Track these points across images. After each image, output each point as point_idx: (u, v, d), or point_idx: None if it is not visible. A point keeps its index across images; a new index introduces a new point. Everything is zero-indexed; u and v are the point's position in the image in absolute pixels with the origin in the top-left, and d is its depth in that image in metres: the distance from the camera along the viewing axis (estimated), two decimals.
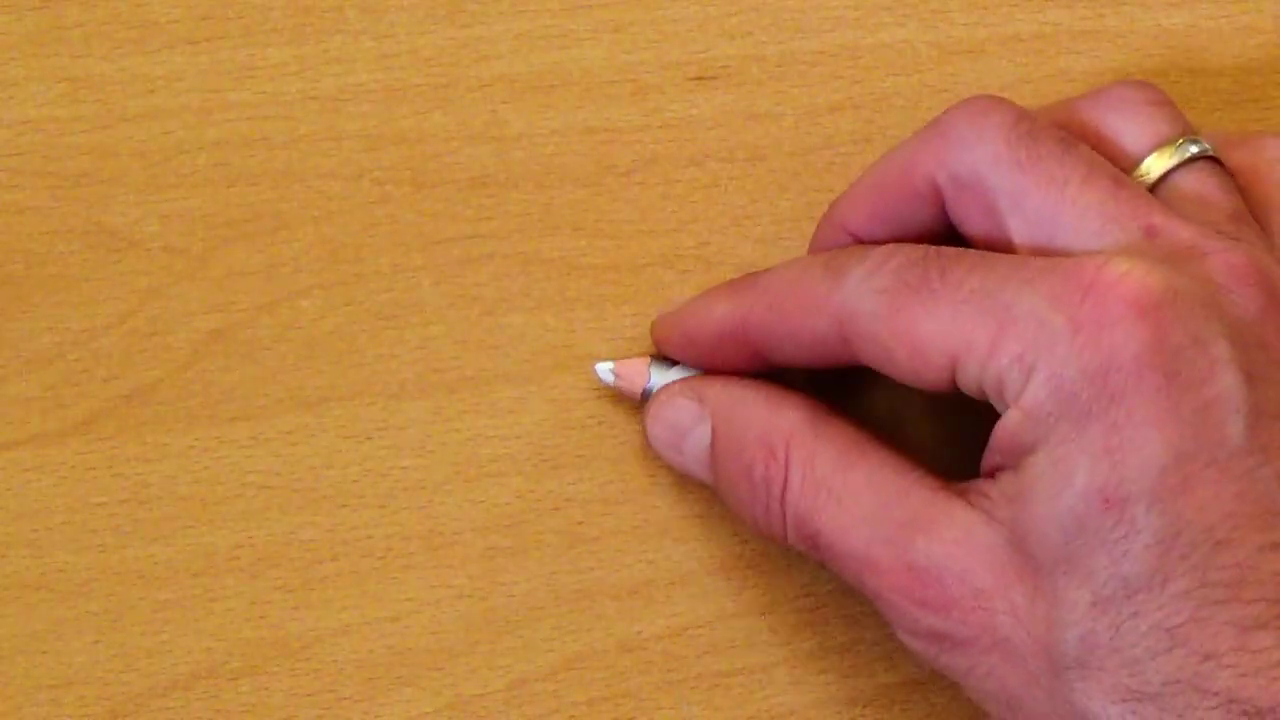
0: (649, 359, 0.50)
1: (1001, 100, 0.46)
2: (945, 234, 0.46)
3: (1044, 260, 0.43)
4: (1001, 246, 0.45)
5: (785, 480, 0.46)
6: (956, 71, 0.52)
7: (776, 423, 0.47)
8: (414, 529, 0.50)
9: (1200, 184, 0.46)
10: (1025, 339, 0.42)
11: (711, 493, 0.50)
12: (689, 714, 0.50)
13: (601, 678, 0.50)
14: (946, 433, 0.51)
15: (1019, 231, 0.45)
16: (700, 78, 0.52)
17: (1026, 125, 0.45)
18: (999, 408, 0.43)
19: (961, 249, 0.45)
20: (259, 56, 0.51)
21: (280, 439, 0.50)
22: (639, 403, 0.50)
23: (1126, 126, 0.47)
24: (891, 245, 0.45)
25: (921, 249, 0.45)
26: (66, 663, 0.49)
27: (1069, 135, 0.46)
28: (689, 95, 0.52)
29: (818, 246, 0.49)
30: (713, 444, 0.48)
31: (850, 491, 0.45)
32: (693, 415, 0.48)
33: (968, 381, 0.43)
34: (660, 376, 0.49)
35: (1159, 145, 0.47)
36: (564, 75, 0.52)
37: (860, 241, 0.48)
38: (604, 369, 0.50)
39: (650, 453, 0.50)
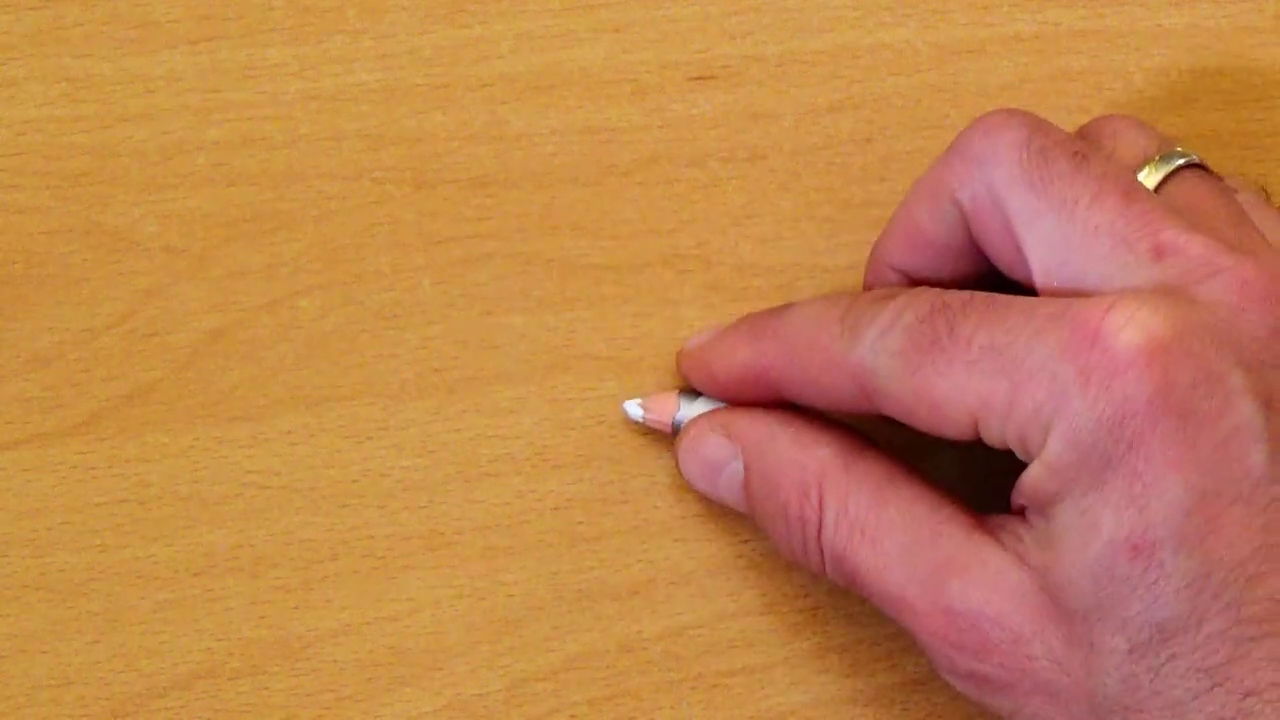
0: (678, 392, 0.50)
1: (1015, 115, 0.46)
2: (981, 254, 0.47)
3: (1052, 307, 0.43)
4: (1020, 268, 0.45)
5: (820, 521, 0.46)
6: (956, 71, 0.52)
7: (808, 462, 0.47)
8: (414, 529, 0.50)
9: (1193, 192, 0.46)
10: (1039, 394, 0.42)
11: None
12: (688, 714, 0.50)
13: (601, 678, 0.50)
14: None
15: (1034, 253, 0.45)
16: (700, 78, 0.52)
17: (1039, 141, 0.45)
18: (1024, 459, 0.43)
19: (970, 296, 0.44)
20: (259, 56, 0.51)
21: (280, 439, 0.50)
22: (670, 435, 0.50)
23: (1110, 149, 0.47)
24: (904, 298, 0.45)
25: (929, 301, 0.45)
26: (66, 663, 0.49)
27: (1083, 146, 0.45)
28: (689, 95, 0.52)
29: (869, 287, 0.49)
30: (746, 482, 0.48)
31: (885, 531, 0.45)
32: (725, 452, 0.48)
33: (991, 437, 0.44)
34: (689, 408, 0.49)
35: (1144, 162, 0.47)
36: (564, 75, 0.52)
37: (905, 274, 0.48)
38: (633, 406, 0.50)
39: (650, 453, 0.50)
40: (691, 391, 0.50)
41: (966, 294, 0.44)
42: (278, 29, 0.51)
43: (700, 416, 0.49)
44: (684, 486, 0.50)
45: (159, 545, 0.49)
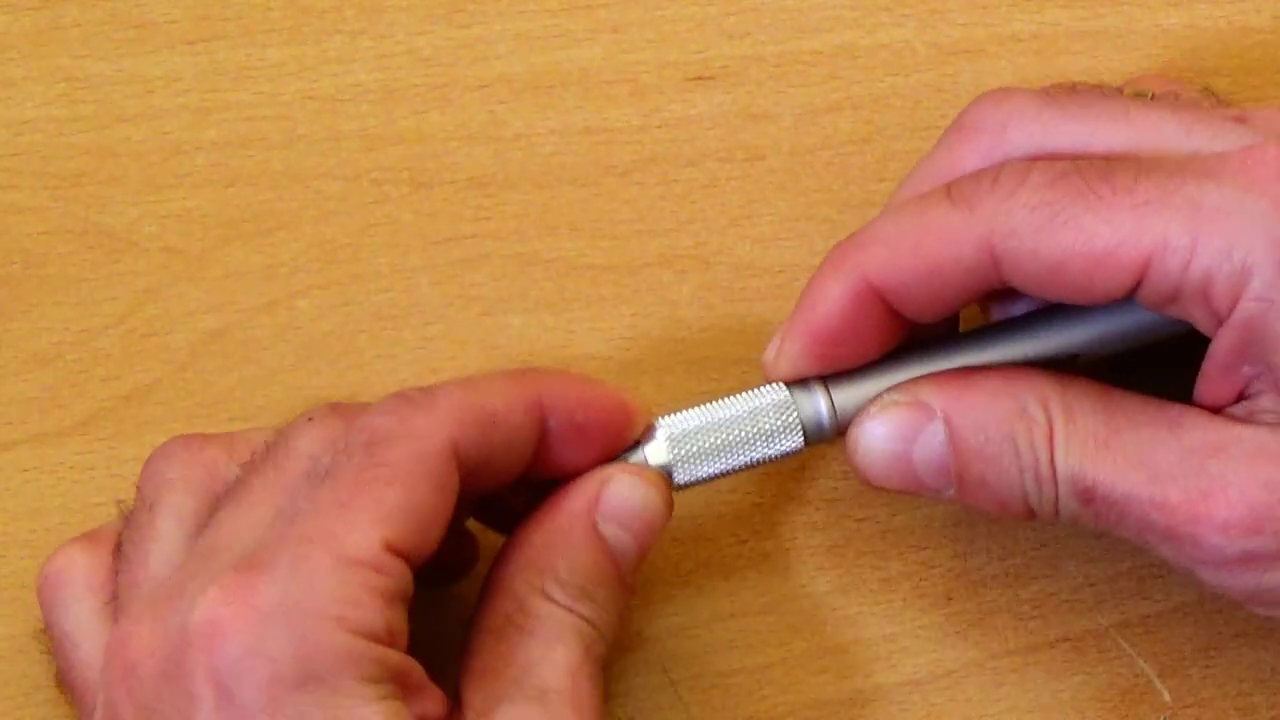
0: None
1: (1006, 88, 0.46)
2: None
3: (1205, 157, 0.42)
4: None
5: (1051, 439, 0.44)
6: (955, 71, 0.52)
7: (1021, 389, 0.44)
8: None
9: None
10: (1229, 231, 0.41)
11: (710, 492, 0.50)
12: (687, 714, 0.50)
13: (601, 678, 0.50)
14: None
15: (1113, 146, 0.44)
16: (699, 78, 0.52)
17: (1050, 88, 0.45)
18: (1188, 313, 0.42)
19: (1103, 158, 0.43)
20: (257, 57, 0.51)
21: None
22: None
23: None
24: (1017, 163, 0.44)
25: (1061, 163, 0.43)
26: None
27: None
28: (688, 95, 0.52)
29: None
30: (953, 436, 0.44)
31: (1118, 437, 0.43)
32: (917, 417, 0.45)
33: (1160, 286, 0.42)
34: (636, 457, 0.46)
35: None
36: (563, 75, 0.52)
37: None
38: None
39: None
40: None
41: (1098, 158, 0.43)
42: (276, 30, 0.51)
43: (869, 404, 0.45)
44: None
45: None
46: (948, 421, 0.44)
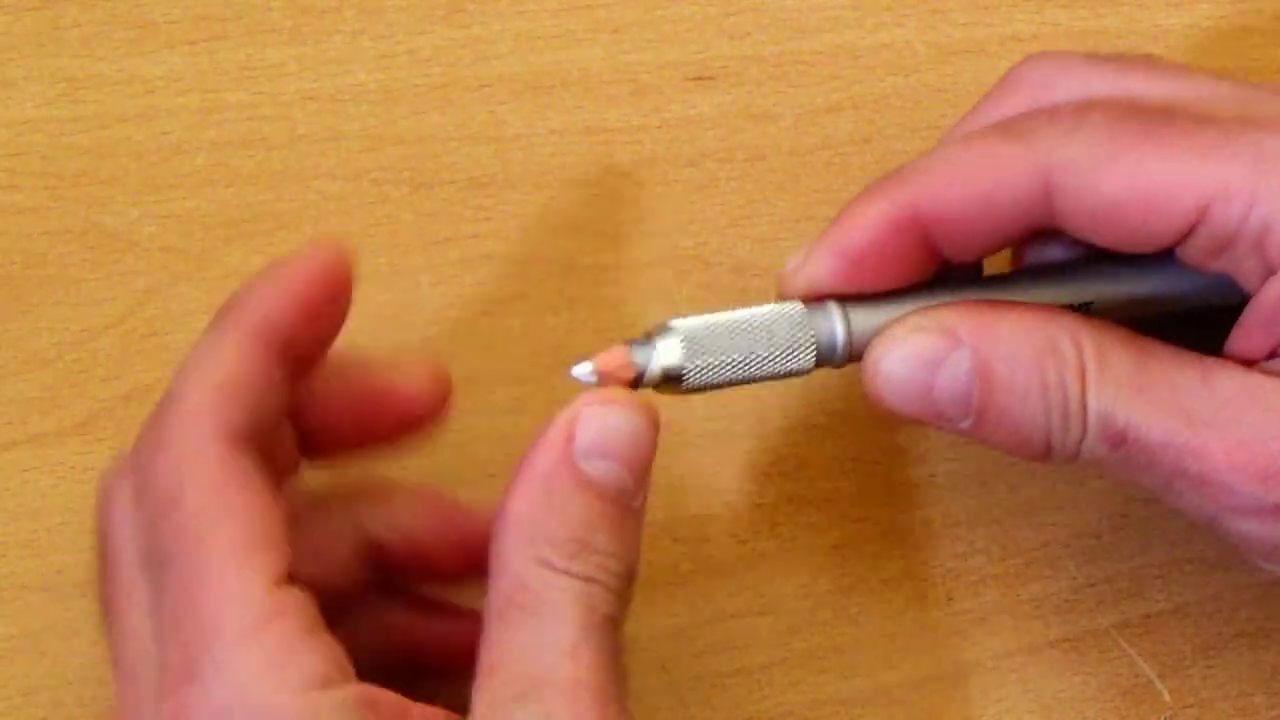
0: (626, 344, 0.44)
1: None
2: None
3: (1264, 113, 0.42)
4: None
5: (1084, 377, 0.43)
6: (955, 71, 0.52)
7: (1053, 326, 0.43)
8: None
9: None
10: None
11: (710, 493, 0.50)
12: (687, 714, 0.50)
13: None
14: None
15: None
16: (699, 78, 0.52)
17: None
18: (1237, 265, 0.42)
19: (1162, 103, 0.43)
20: (257, 57, 0.51)
21: None
22: (633, 388, 0.44)
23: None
24: (1079, 102, 0.43)
25: (1122, 103, 0.43)
26: (65, 663, 0.49)
27: None
28: (688, 95, 0.52)
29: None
30: (979, 369, 0.43)
31: (1152, 382, 0.43)
32: (944, 344, 0.43)
33: (1216, 232, 0.42)
34: (642, 353, 0.43)
35: None
36: (563, 75, 0.52)
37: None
38: (582, 370, 0.43)
39: (660, 447, 0.50)
40: (644, 341, 0.44)
41: (1157, 103, 0.43)
42: (276, 30, 0.51)
43: (890, 324, 0.44)
44: (683, 487, 0.50)
45: None
46: (975, 350, 0.43)
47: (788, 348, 0.44)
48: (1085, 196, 0.42)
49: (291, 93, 0.51)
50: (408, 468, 0.50)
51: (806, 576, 0.50)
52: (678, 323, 0.43)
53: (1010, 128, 0.43)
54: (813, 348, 0.44)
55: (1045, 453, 0.44)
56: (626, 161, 0.52)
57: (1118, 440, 0.43)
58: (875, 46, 0.52)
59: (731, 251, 0.51)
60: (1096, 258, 0.45)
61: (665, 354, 0.43)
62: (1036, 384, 0.43)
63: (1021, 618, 0.50)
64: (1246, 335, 0.43)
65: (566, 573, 0.40)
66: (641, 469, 0.42)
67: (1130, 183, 0.42)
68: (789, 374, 0.44)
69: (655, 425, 0.42)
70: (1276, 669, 0.50)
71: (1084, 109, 0.43)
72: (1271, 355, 0.43)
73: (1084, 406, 0.43)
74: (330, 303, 0.42)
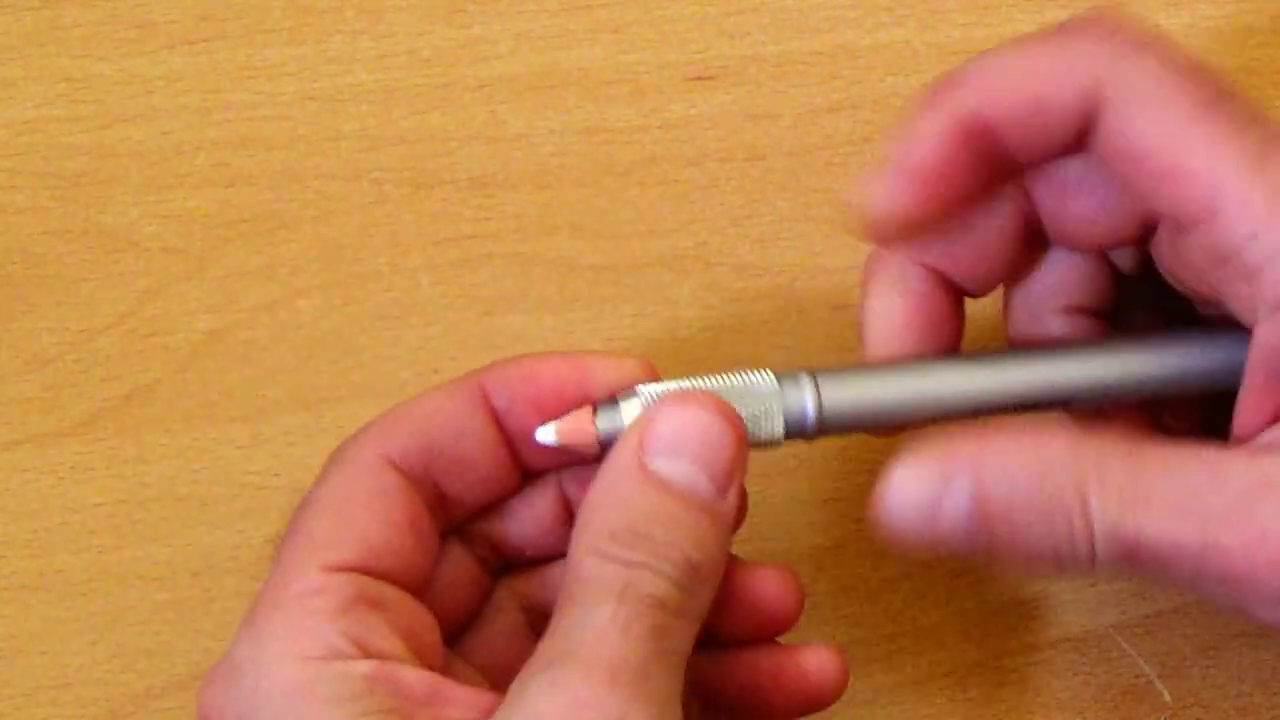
0: (591, 408, 0.43)
1: None
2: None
3: None
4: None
5: (1084, 500, 0.42)
6: None
7: (1048, 449, 0.42)
8: None
9: None
10: None
11: None
12: None
13: None
14: None
15: None
16: (699, 78, 0.52)
17: None
18: (1227, 285, 0.42)
19: None
20: (258, 57, 0.51)
21: (279, 439, 0.50)
22: (597, 451, 0.43)
23: None
24: (1144, 30, 0.43)
25: (1188, 57, 0.42)
26: (65, 663, 0.49)
27: None
28: (688, 95, 0.52)
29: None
30: (977, 503, 0.42)
31: (1158, 490, 0.42)
32: (941, 474, 0.42)
33: (1220, 241, 0.41)
34: (607, 417, 0.43)
35: None
36: (563, 75, 0.52)
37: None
38: (545, 432, 0.43)
39: None
40: (607, 400, 0.43)
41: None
42: (276, 30, 0.51)
43: (901, 462, 0.43)
44: None
45: (158, 545, 0.49)
46: (973, 483, 0.42)
47: (757, 418, 0.43)
48: (1123, 129, 0.42)
49: (291, 93, 0.51)
50: None
51: (806, 576, 0.50)
52: (643, 389, 0.43)
53: (1068, 30, 0.43)
54: (781, 419, 0.43)
55: (1060, 571, 0.43)
56: (626, 161, 0.52)
57: (1130, 555, 0.42)
58: (875, 46, 0.52)
59: (731, 251, 0.51)
60: (1082, 341, 0.45)
61: (629, 418, 0.42)
62: (1036, 512, 0.42)
63: (1021, 618, 0.50)
64: (1254, 400, 0.43)
65: (615, 560, 0.40)
66: (720, 468, 0.42)
67: (1161, 143, 0.41)
68: (757, 445, 0.43)
69: (735, 426, 0.42)
70: (1276, 669, 0.50)
71: (1149, 39, 0.42)
72: (1276, 418, 0.43)
73: (1089, 527, 0.42)
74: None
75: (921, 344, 0.45)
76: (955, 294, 0.45)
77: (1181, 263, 0.43)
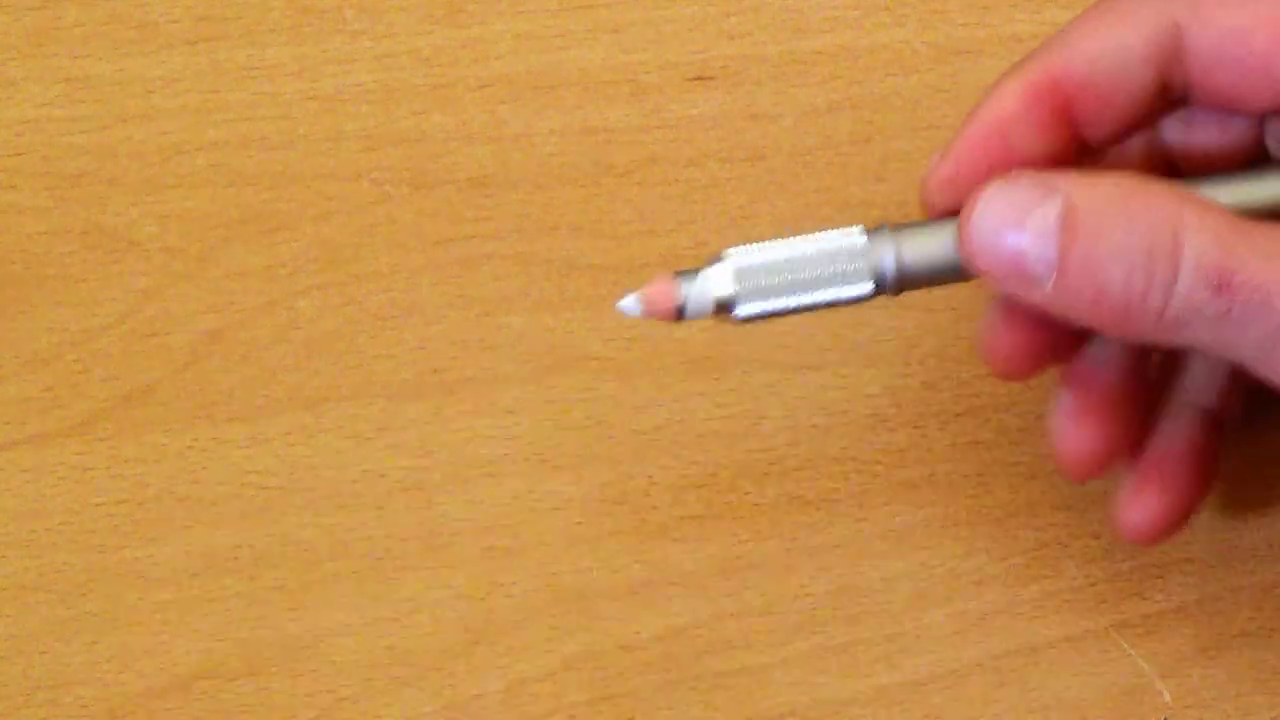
0: (676, 275, 0.43)
1: None
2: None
3: None
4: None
5: (1180, 220, 0.41)
6: (955, 72, 0.52)
7: (1149, 187, 0.42)
8: (412, 530, 0.50)
9: None
10: None
11: (710, 492, 0.50)
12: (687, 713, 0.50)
13: (600, 678, 0.50)
14: None
15: None
16: (699, 78, 0.52)
17: None
18: None
19: None
20: (258, 57, 0.51)
21: (279, 439, 0.50)
22: (675, 320, 0.43)
23: None
24: None
25: None
26: (65, 663, 0.49)
27: None
28: (688, 95, 0.52)
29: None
30: (1065, 215, 0.41)
31: (1254, 234, 0.41)
32: (1036, 193, 0.42)
33: None
34: (691, 285, 0.42)
35: None
36: (563, 75, 0.52)
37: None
38: (629, 303, 0.43)
39: (649, 453, 0.50)
40: (688, 270, 0.43)
41: None
42: (277, 29, 0.51)
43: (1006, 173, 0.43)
44: (683, 486, 0.50)
45: (158, 545, 0.49)
46: (1066, 198, 0.42)
47: (843, 274, 0.43)
48: (1212, 32, 0.42)
49: (291, 93, 0.51)
50: (404, 467, 0.50)
51: (806, 576, 0.50)
52: (732, 251, 0.43)
53: None
54: (868, 274, 0.43)
55: (1132, 312, 0.42)
56: (626, 162, 0.52)
57: (1222, 284, 0.41)
58: (875, 46, 0.52)
59: None
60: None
61: (715, 283, 0.42)
62: (1123, 225, 0.41)
63: (1021, 618, 0.50)
64: None
65: None
66: None
67: (1259, 15, 0.42)
68: (847, 301, 0.43)
69: None
70: (1276, 669, 0.50)
71: None
72: None
73: (1178, 250, 0.41)
74: None
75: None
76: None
77: None
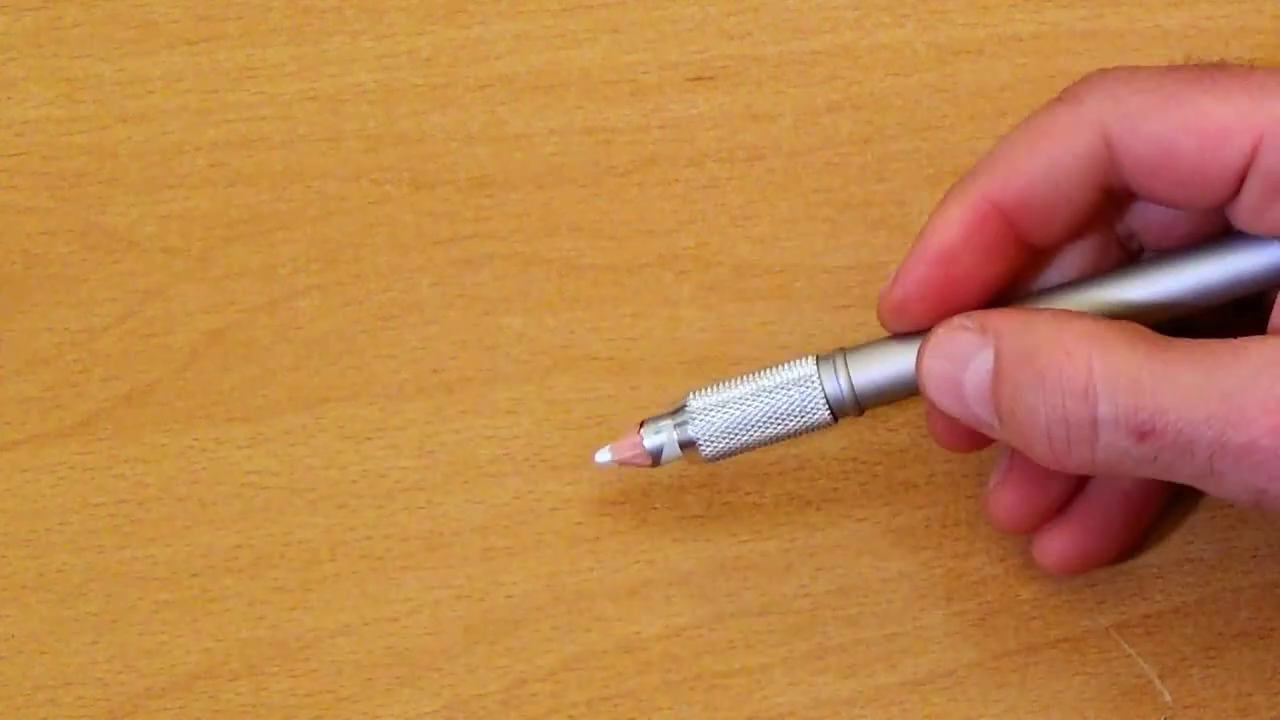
0: (639, 426, 0.46)
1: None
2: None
3: None
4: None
5: (1090, 375, 0.42)
6: (955, 72, 0.52)
7: (1068, 327, 0.43)
8: (413, 529, 0.50)
9: None
10: None
11: (710, 493, 0.50)
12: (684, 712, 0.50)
13: (600, 678, 0.50)
14: None
15: None
16: (699, 78, 0.52)
17: None
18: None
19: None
20: (258, 57, 0.51)
21: (279, 439, 0.50)
22: (651, 466, 0.46)
23: None
24: (1122, 66, 0.44)
25: (1159, 67, 0.44)
26: (66, 663, 0.49)
27: None
28: (688, 95, 0.52)
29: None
30: (996, 368, 0.43)
31: (1173, 370, 0.41)
32: (974, 343, 0.43)
33: (1272, 166, 0.42)
34: (653, 434, 0.46)
35: None
36: (563, 75, 0.52)
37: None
38: (602, 454, 0.47)
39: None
40: (653, 419, 0.46)
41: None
42: (276, 30, 0.51)
43: (951, 319, 0.44)
44: (683, 487, 0.50)
45: (158, 545, 0.50)
46: (997, 351, 0.43)
47: (801, 407, 0.45)
48: (1141, 144, 0.43)
49: (291, 93, 0.51)
50: (404, 467, 0.50)
51: (806, 577, 0.50)
52: (692, 395, 0.46)
53: (1063, 95, 0.44)
54: (824, 403, 0.45)
55: (1065, 462, 0.43)
56: (626, 162, 0.52)
57: (1144, 432, 0.41)
58: (875, 46, 0.52)
59: (732, 251, 0.51)
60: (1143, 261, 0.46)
61: (679, 431, 0.46)
62: (1035, 386, 0.42)
63: (1021, 618, 0.50)
64: None
65: None
66: None
67: (1184, 123, 0.42)
68: (809, 430, 0.46)
69: None
70: (1276, 669, 0.50)
71: (1134, 68, 0.43)
72: None
73: (1093, 409, 0.42)
74: None
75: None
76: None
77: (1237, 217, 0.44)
